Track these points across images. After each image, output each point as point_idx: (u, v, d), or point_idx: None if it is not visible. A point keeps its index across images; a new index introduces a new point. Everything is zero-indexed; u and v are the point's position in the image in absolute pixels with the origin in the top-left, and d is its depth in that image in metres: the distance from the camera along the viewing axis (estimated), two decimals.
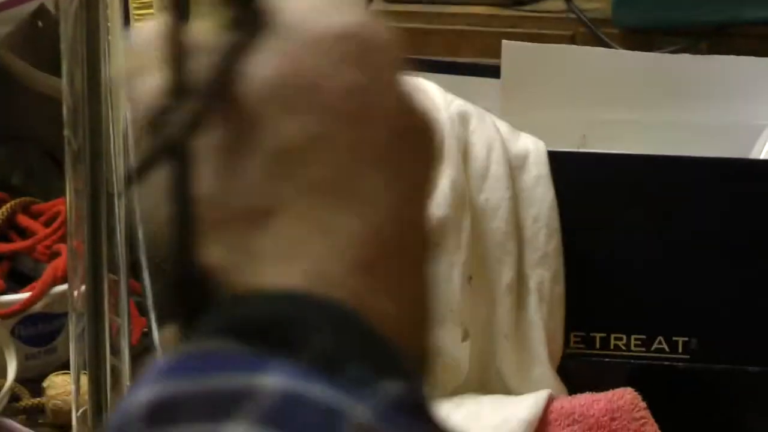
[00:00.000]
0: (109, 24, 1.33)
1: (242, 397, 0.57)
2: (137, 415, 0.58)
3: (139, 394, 0.58)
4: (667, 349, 1.45)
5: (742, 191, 1.44)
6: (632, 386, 1.39)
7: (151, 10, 1.78)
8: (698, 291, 1.45)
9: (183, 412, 0.57)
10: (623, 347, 1.45)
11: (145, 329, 1.52)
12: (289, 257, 0.63)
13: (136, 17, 1.70)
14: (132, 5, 1.60)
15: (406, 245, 0.67)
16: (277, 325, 0.60)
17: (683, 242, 1.45)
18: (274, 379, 0.58)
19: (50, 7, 1.80)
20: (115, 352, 1.43)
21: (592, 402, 1.38)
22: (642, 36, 1.63)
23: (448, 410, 1.38)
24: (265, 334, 0.60)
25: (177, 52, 0.67)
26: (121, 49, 1.37)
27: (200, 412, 0.57)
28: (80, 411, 1.44)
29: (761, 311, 1.44)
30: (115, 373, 1.43)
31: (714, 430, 1.44)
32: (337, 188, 0.64)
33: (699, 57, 1.59)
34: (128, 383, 1.44)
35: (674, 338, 1.45)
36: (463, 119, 1.46)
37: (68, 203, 1.40)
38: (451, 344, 1.43)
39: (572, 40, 1.63)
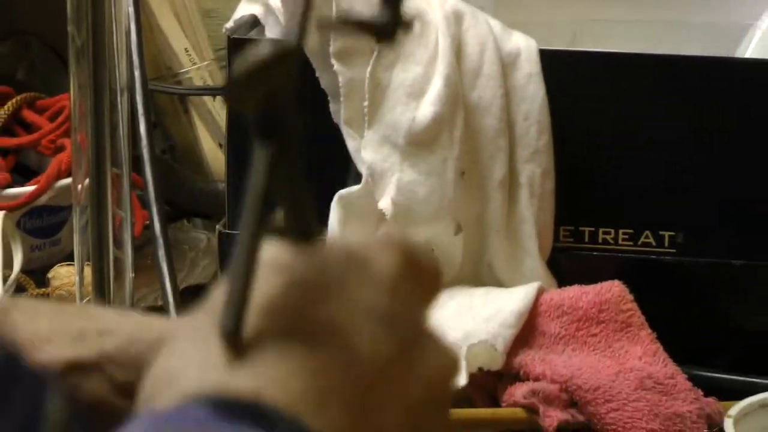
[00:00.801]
0: None
1: None
2: None
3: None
4: (654, 243, 1.47)
5: (728, 89, 1.46)
6: (620, 279, 1.41)
7: None
8: (685, 186, 1.47)
9: None
10: (611, 241, 1.48)
11: (147, 222, 1.53)
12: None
13: None
14: None
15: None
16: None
17: (670, 138, 1.47)
18: None
19: None
20: (118, 244, 1.44)
21: (581, 294, 1.41)
22: None
23: (442, 301, 1.39)
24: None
25: None
26: None
27: None
28: (84, 301, 1.45)
29: (747, 206, 1.46)
30: (118, 264, 1.45)
31: (699, 322, 1.46)
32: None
33: None
34: (131, 274, 1.45)
35: (661, 232, 1.47)
36: (457, 17, 1.48)
37: (72, 98, 1.41)
38: (445, 238, 1.45)
39: None
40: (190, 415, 0.62)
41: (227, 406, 0.63)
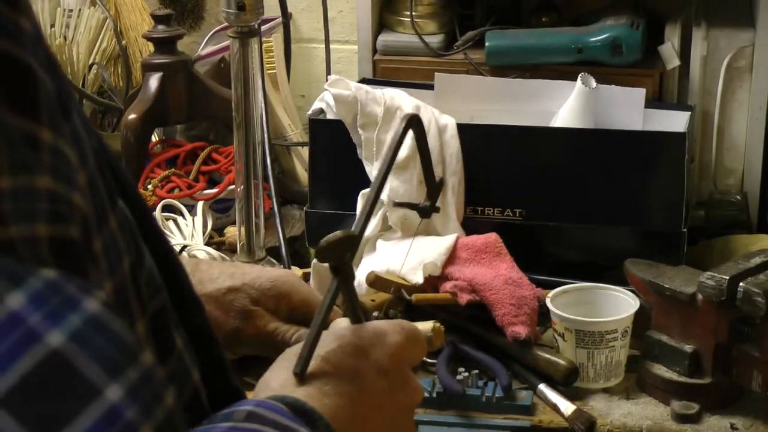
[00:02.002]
0: (251, 66, 1.30)
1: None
2: None
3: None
4: (511, 215, 1.40)
5: (544, 143, 1.40)
6: (495, 232, 1.35)
7: (272, 61, 1.74)
8: (526, 187, 1.39)
9: None
10: (490, 214, 1.40)
11: (270, 206, 1.49)
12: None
13: (266, 64, 1.64)
14: (264, 58, 1.55)
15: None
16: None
17: (520, 164, 1.39)
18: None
19: (227, 57, 1.75)
20: (257, 216, 1.42)
21: (476, 239, 1.34)
22: (499, 70, 1.57)
23: (410, 242, 1.34)
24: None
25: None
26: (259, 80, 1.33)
27: None
28: (241, 243, 1.42)
29: (562, 195, 1.38)
30: (257, 225, 1.43)
31: (533, 252, 1.38)
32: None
33: (525, 80, 1.54)
34: (262, 230, 1.43)
35: (515, 209, 1.39)
36: (417, 108, 1.42)
37: (235, 147, 1.38)
38: (411, 213, 1.37)
39: (467, 72, 1.57)
40: (272, 406, 0.57)
41: (291, 407, 0.58)
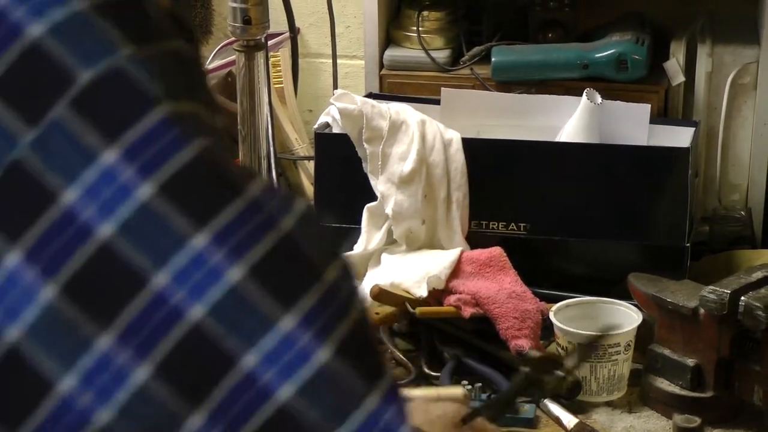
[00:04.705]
0: (257, 79, 1.32)
1: None
2: None
3: None
4: (515, 229, 1.42)
5: (550, 154, 1.41)
6: (499, 246, 1.36)
7: (279, 76, 1.76)
8: (531, 201, 1.41)
9: None
10: (495, 228, 1.42)
11: None
12: None
13: (273, 78, 1.66)
14: (271, 72, 1.57)
15: None
16: None
17: (525, 178, 1.41)
18: None
19: (234, 71, 1.77)
20: None
21: (481, 253, 1.35)
22: (505, 85, 1.58)
23: (414, 256, 1.35)
24: None
25: None
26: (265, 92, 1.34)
27: None
28: None
29: (566, 210, 1.40)
30: None
31: (537, 266, 1.39)
32: None
33: (531, 96, 1.55)
34: None
35: (519, 223, 1.41)
36: (422, 122, 1.43)
37: (240, 160, 1.38)
38: (416, 227, 1.40)
39: (473, 87, 1.58)
40: None
41: None
